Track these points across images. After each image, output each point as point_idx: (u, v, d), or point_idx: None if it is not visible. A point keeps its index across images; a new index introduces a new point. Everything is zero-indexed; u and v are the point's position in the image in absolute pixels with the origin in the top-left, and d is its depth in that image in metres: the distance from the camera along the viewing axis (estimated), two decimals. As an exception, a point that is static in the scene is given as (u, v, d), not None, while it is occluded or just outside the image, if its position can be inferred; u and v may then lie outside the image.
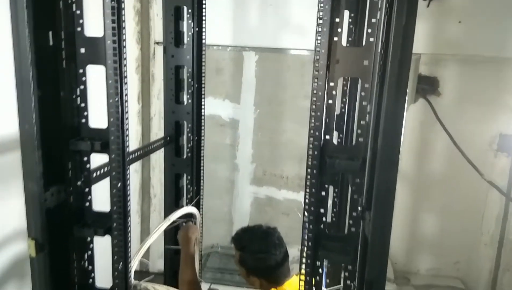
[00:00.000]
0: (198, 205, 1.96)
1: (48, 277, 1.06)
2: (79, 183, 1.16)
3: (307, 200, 1.07)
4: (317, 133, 1.04)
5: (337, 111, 1.58)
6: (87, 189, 1.19)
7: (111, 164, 1.09)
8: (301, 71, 3.32)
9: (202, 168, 1.94)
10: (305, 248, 1.10)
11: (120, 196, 1.11)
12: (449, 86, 3.20)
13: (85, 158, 1.16)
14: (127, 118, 1.10)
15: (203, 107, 1.83)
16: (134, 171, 3.15)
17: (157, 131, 3.35)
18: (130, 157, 1.47)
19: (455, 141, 2.98)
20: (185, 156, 1.89)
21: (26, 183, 1.00)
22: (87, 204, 1.19)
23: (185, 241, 1.78)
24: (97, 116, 1.18)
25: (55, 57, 1.04)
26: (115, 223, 1.13)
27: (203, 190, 1.98)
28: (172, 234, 2.00)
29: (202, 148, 1.90)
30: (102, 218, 1.17)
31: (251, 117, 3.48)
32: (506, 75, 3.07)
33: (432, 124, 3.14)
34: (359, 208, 1.06)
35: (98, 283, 1.26)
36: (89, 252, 1.22)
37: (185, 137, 1.89)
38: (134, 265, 1.32)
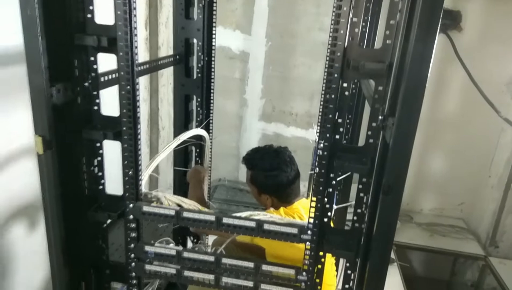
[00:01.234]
0: (208, 129, 1.92)
1: (56, 176, 1.05)
2: (86, 84, 1.11)
3: (325, 108, 1.02)
4: (339, 38, 0.95)
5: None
6: (95, 92, 1.14)
7: (119, 63, 1.03)
8: (317, 0, 3.15)
9: (212, 90, 1.87)
10: (318, 160, 1.07)
11: (129, 99, 1.07)
12: (471, 21, 3.03)
13: (92, 58, 1.10)
14: (135, 15, 1.02)
15: (214, 23, 1.73)
16: (143, 100, 3.10)
17: (165, 61, 3.25)
18: (139, 68, 1.40)
19: (473, 78, 2.87)
20: (195, 76, 1.82)
21: (30, 76, 0.96)
22: (96, 108, 1.15)
23: (193, 177, 1.81)
24: (104, 12, 1.10)
25: None
26: (125, 126, 1.10)
27: (213, 114, 1.93)
28: (181, 157, 1.99)
29: (212, 69, 1.83)
30: (111, 122, 1.14)
31: (262, 50, 3.35)
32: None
33: (450, 61, 3.01)
34: (380, 117, 1.01)
35: (108, 191, 1.25)
36: (99, 158, 1.20)
37: (195, 57, 1.81)
38: (144, 178, 1.31)
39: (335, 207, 1.17)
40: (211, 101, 1.90)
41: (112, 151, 1.24)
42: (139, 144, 1.15)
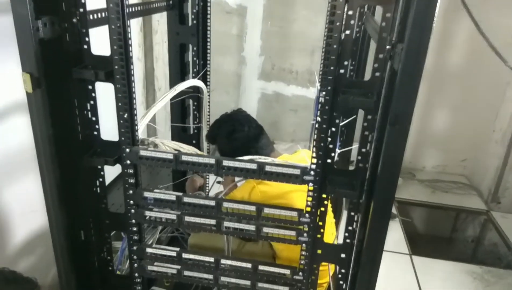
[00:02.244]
0: (205, 81, 1.85)
1: (48, 117, 1.00)
2: (74, 20, 1.04)
3: (329, 38, 0.96)
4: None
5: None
6: (84, 30, 1.07)
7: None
8: None
9: (208, 39, 1.79)
10: (321, 95, 1.01)
11: (120, 34, 1.00)
12: (480, -32, 2.89)
13: (78, -9, 1.02)
14: None
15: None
16: (137, 59, 3.01)
17: (159, 18, 3.13)
18: (130, 10, 1.32)
19: (480, 28, 2.76)
20: (190, 23, 1.73)
21: (14, 7, 0.89)
22: (85, 46, 1.09)
23: (190, 184, 1.84)
24: None
25: None
26: (117, 65, 1.04)
27: (210, 65, 1.86)
28: (178, 112, 1.94)
29: (208, 16, 1.74)
30: (103, 62, 1.08)
31: (260, 2, 3.22)
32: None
33: (456, 11, 2.89)
34: (387, 47, 0.94)
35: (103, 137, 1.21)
36: (92, 102, 1.15)
37: (189, 3, 1.72)
38: (141, 127, 1.26)
39: (338, 150, 1.12)
40: (208, 51, 1.83)
41: (107, 102, 1.19)
42: (133, 86, 1.10)
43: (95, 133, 1.19)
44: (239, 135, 1.52)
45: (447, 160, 3.50)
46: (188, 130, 1.95)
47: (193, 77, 1.85)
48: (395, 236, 2.59)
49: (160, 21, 3.12)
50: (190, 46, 1.80)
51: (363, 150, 1.08)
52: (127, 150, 1.13)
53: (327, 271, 1.58)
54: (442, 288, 2.18)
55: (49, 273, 1.81)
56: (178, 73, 1.86)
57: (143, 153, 1.13)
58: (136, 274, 1.31)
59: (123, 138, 1.12)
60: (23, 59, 0.94)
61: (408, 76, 0.80)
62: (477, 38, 2.89)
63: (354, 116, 1.54)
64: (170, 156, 1.12)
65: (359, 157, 1.09)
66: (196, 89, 1.85)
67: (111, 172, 1.39)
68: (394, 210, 2.86)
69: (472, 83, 3.17)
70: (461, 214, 3.16)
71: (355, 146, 1.16)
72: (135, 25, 2.95)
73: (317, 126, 1.06)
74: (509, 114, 3.10)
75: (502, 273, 2.35)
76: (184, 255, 1.25)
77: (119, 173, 1.79)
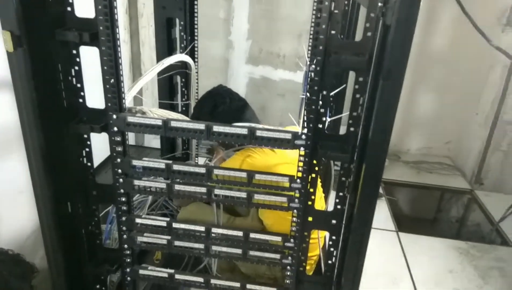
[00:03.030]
0: (193, 56, 1.83)
1: (30, 79, 0.97)
2: (56, -22, 1.00)
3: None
4: None
5: None
6: (66, -10, 1.03)
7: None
8: None
9: (196, 13, 1.76)
10: (311, 55, 1.00)
11: (105, -8, 0.97)
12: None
13: None
14: None
15: None
16: (123, 41, 2.95)
17: (145, 1, 3.06)
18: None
19: (463, 8, 2.79)
20: (177, -4, 1.70)
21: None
22: (69, 8, 1.05)
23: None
24: None
25: None
26: (101, 26, 1.00)
27: (198, 39, 1.83)
28: (166, 90, 1.90)
29: (195, -11, 1.71)
30: (87, 24, 1.04)
31: (247, -15, 3.19)
32: None
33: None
34: (379, 4, 0.94)
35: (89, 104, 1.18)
36: (76, 67, 1.12)
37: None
38: (128, 100, 1.23)
39: (328, 119, 1.12)
40: (196, 26, 1.80)
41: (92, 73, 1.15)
42: (119, 50, 1.07)
43: (80, 100, 1.16)
44: (222, 108, 1.50)
45: (432, 142, 3.56)
46: (176, 108, 1.93)
47: (181, 53, 1.82)
48: (381, 214, 2.62)
49: (145, 4, 3.06)
50: (177, 21, 1.77)
51: (354, 113, 1.07)
52: (114, 116, 1.11)
53: (316, 244, 1.59)
54: (429, 262, 2.21)
55: (37, 255, 1.76)
56: (165, 49, 1.82)
57: (130, 119, 1.11)
58: (126, 246, 1.29)
59: (109, 104, 1.10)
60: (3, 16, 0.90)
61: (402, 27, 0.80)
62: (461, 21, 2.91)
63: (344, 85, 1.55)
64: (159, 122, 1.10)
65: (350, 121, 1.09)
66: (184, 66, 1.82)
67: (97, 156, 1.35)
68: (380, 190, 2.89)
69: (456, 66, 3.21)
70: (446, 193, 3.21)
71: (345, 114, 1.16)
72: (120, 6, 2.89)
73: (308, 91, 1.05)
74: (492, 97, 3.15)
75: (487, 248, 2.40)
76: (175, 225, 1.24)
77: (106, 156, 1.76)
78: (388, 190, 2.98)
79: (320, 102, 1.06)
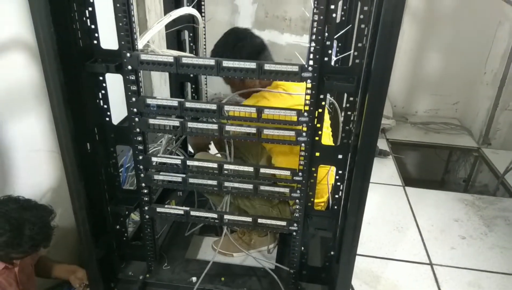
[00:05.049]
0: (200, 9, 1.85)
1: (48, 14, 1.01)
2: None
3: None
4: None
5: None
6: None
7: None
8: None
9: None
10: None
11: None
12: None
13: None
14: None
15: None
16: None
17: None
18: None
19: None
20: None
21: None
22: None
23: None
24: None
25: None
26: (114, -37, 1.04)
27: None
28: (174, 45, 1.94)
29: None
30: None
31: None
32: None
33: None
34: None
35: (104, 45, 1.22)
36: (90, 8, 1.16)
37: None
38: (139, 46, 1.27)
39: (334, 58, 1.15)
40: (202, -20, 1.82)
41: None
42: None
43: (95, 42, 1.21)
44: (242, 44, 1.52)
45: (439, 104, 3.56)
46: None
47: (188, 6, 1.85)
48: (388, 171, 2.67)
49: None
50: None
51: (359, 44, 1.11)
52: (128, 54, 1.16)
53: (324, 190, 1.65)
54: (435, 213, 2.27)
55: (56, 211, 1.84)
56: (172, 3, 1.85)
57: (143, 57, 1.16)
58: (143, 184, 1.36)
59: (122, 42, 1.14)
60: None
61: None
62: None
63: (350, 25, 1.57)
64: (171, 59, 1.15)
65: (356, 53, 1.12)
66: (192, 20, 1.85)
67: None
68: (387, 148, 2.93)
69: (464, 24, 3.18)
70: (454, 152, 3.24)
71: (350, 52, 1.19)
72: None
73: (314, 22, 1.08)
74: (500, 55, 3.14)
75: (493, 199, 2.45)
76: (189, 162, 1.30)
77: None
78: (395, 149, 3.02)
79: (326, 34, 1.09)
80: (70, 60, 1.14)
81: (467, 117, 3.51)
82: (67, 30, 1.12)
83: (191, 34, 1.90)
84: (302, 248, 1.44)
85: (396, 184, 2.53)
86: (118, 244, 1.54)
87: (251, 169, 1.29)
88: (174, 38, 1.91)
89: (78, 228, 1.33)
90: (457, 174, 3.29)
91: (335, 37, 1.13)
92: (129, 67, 1.18)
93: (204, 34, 1.90)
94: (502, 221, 2.24)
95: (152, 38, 1.46)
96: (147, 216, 1.43)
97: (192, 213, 1.39)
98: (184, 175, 1.33)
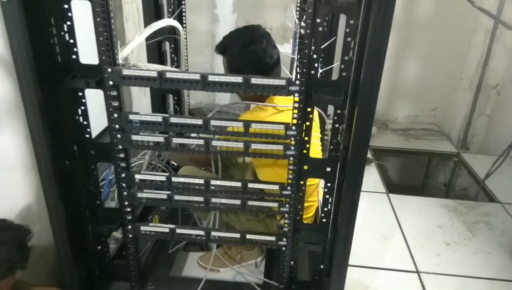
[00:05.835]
0: (181, 21, 1.82)
1: (24, 28, 0.97)
2: None
3: None
4: None
5: None
6: None
7: None
8: None
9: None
10: None
11: None
12: None
13: None
14: None
15: None
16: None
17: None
18: None
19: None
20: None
21: None
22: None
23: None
24: None
25: None
26: (93, -24, 1.00)
27: (185, 5, 1.83)
28: (155, 57, 1.90)
29: None
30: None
31: (231, -46, 3.16)
32: None
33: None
34: None
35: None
36: (69, 22, 1.12)
37: None
38: (120, 59, 1.23)
39: (320, 70, 1.14)
40: (182, -6, 1.79)
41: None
42: (110, 4, 1.07)
43: (74, 56, 1.16)
44: (256, 47, 1.38)
45: (418, 110, 3.62)
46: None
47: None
48: (372, 178, 2.68)
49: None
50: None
51: (346, 57, 1.10)
52: (109, 70, 1.12)
53: (313, 206, 1.63)
54: (419, 219, 2.29)
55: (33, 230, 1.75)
56: (152, 14, 1.81)
57: (126, 72, 1.12)
58: (126, 203, 1.31)
59: (103, 57, 1.10)
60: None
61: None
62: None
63: (335, 37, 1.57)
64: (154, 74, 1.11)
65: (342, 66, 1.12)
66: (173, 31, 1.82)
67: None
68: (369, 155, 2.95)
69: (441, 32, 3.25)
70: (434, 158, 3.30)
71: (336, 64, 1.18)
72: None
73: (300, 36, 1.07)
74: (476, 61, 3.22)
75: (474, 204, 2.49)
76: (174, 179, 1.26)
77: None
78: (377, 156, 3.05)
79: (313, 48, 1.08)
80: (48, 75, 1.09)
81: (445, 122, 3.58)
82: (44, 45, 1.07)
83: (172, 46, 1.87)
84: (292, 262, 1.42)
85: (380, 191, 2.55)
86: (100, 264, 1.48)
87: (238, 184, 1.26)
88: (155, 49, 1.88)
89: (58, 250, 1.27)
90: (438, 179, 3.35)
91: (321, 48, 1.12)
92: (110, 83, 1.13)
93: (186, 45, 1.87)
94: (484, 225, 2.27)
95: (132, 49, 1.43)
96: (130, 235, 1.38)
97: (178, 231, 1.35)
98: (169, 192, 1.29)
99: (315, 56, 1.10)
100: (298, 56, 1.08)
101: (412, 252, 2.04)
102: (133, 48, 1.38)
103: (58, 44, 1.11)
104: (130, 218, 1.35)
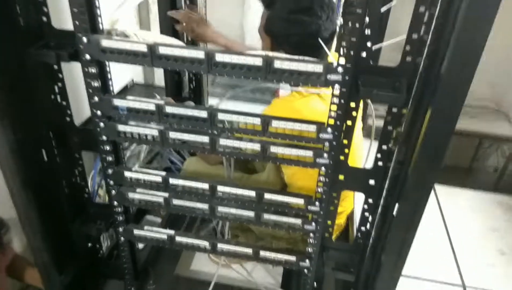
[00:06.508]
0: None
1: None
2: None
3: None
4: None
5: None
6: None
7: None
8: None
9: None
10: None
11: None
12: None
13: None
14: None
15: None
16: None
17: None
18: None
19: None
20: None
21: None
22: None
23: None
24: None
25: None
26: None
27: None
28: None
29: None
30: None
31: None
32: None
33: None
34: None
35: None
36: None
37: None
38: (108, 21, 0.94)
39: (376, 46, 0.80)
40: None
41: None
42: None
43: (44, 18, 0.88)
44: (310, 21, 1.04)
45: (474, 85, 3.14)
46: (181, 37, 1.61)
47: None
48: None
49: None
50: None
51: (414, 35, 0.76)
52: (84, 39, 0.83)
53: (344, 213, 1.35)
54: (468, 219, 1.96)
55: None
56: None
57: (106, 43, 0.82)
58: (116, 203, 1.07)
59: (77, 22, 0.81)
60: None
61: None
62: None
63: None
64: (144, 48, 0.82)
65: (408, 48, 0.78)
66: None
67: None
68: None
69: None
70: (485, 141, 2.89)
71: (400, 37, 0.82)
72: None
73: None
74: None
75: (536, 204, 2.12)
76: (172, 181, 1.00)
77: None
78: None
79: (367, 19, 0.74)
80: (7, 44, 0.82)
81: (505, 100, 3.10)
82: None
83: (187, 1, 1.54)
84: (314, 284, 1.16)
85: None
86: (92, 262, 1.29)
87: (252, 193, 0.98)
88: (168, 24, 1.52)
89: (35, 260, 1.06)
90: (489, 168, 2.94)
91: (378, 20, 0.77)
92: (87, 57, 0.85)
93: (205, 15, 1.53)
94: (548, 232, 1.92)
95: (142, 21, 1.13)
96: (122, 238, 1.16)
97: (178, 238, 1.10)
98: (166, 195, 1.03)
99: (368, 31, 0.76)
100: (344, 32, 0.75)
101: (458, 260, 1.74)
102: (129, 9, 1.09)
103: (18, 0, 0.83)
104: (122, 219, 1.11)
